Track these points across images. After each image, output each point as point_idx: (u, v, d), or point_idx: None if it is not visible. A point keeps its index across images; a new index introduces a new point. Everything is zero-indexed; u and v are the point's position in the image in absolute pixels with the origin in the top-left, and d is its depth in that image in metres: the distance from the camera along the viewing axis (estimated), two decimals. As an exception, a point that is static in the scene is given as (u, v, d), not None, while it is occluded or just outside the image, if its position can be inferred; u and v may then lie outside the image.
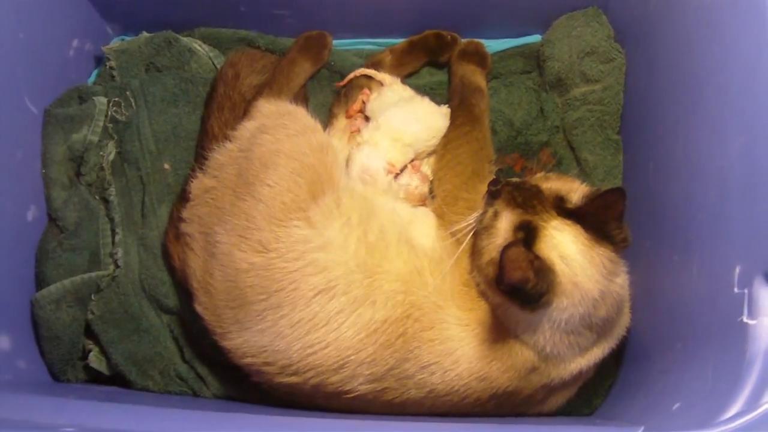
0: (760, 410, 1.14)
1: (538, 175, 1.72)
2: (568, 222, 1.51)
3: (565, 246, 1.49)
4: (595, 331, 1.56)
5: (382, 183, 1.85)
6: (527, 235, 1.51)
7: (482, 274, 1.60)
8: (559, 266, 1.47)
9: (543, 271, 1.46)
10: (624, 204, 1.50)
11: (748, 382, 1.18)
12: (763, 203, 1.20)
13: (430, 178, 1.94)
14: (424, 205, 1.90)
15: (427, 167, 1.95)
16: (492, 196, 1.64)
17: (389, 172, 1.87)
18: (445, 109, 2.00)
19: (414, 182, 1.91)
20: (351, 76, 2.06)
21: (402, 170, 1.92)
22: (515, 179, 1.68)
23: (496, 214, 1.60)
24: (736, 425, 1.13)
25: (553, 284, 1.47)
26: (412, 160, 1.95)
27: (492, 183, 1.67)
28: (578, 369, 1.60)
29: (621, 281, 1.57)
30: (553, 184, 1.61)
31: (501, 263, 1.42)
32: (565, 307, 1.49)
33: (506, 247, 1.43)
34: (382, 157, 1.87)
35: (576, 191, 1.59)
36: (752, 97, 1.26)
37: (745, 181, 1.28)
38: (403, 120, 1.93)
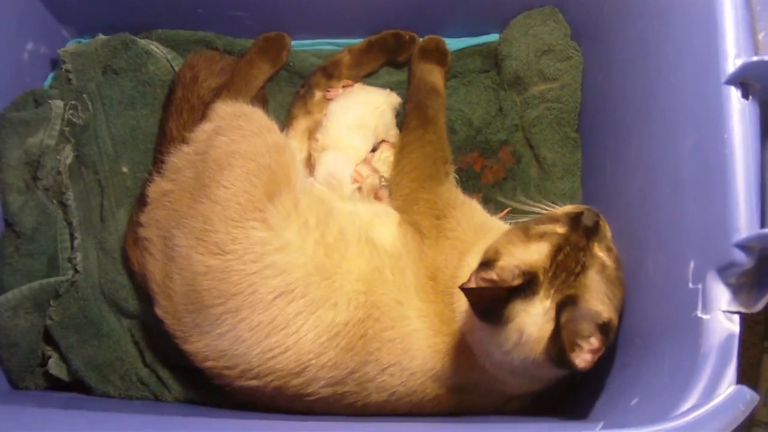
0: (713, 403, 1.15)
1: (602, 255, 1.49)
2: (553, 318, 1.40)
3: (531, 328, 1.41)
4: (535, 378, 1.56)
5: (347, 189, 1.87)
6: (523, 285, 1.42)
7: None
8: (513, 334, 1.43)
9: (498, 320, 1.43)
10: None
11: (703, 375, 1.19)
12: (713, 200, 1.21)
13: (381, 173, 1.95)
14: (378, 198, 1.91)
15: (378, 161, 1.97)
16: (572, 221, 1.51)
17: (355, 180, 1.88)
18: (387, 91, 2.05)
19: (364, 172, 1.92)
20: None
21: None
22: (607, 233, 1.55)
23: (544, 234, 1.49)
24: (691, 418, 1.14)
25: (500, 327, 1.44)
26: (373, 150, 1.98)
27: (591, 215, 1.51)
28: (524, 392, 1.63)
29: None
30: (592, 278, 1.45)
31: (475, 286, 1.40)
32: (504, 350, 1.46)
33: (493, 285, 1.41)
34: (350, 164, 1.90)
35: (592, 303, 1.43)
36: (703, 97, 1.26)
37: (697, 178, 1.29)
38: (344, 107, 1.98)
